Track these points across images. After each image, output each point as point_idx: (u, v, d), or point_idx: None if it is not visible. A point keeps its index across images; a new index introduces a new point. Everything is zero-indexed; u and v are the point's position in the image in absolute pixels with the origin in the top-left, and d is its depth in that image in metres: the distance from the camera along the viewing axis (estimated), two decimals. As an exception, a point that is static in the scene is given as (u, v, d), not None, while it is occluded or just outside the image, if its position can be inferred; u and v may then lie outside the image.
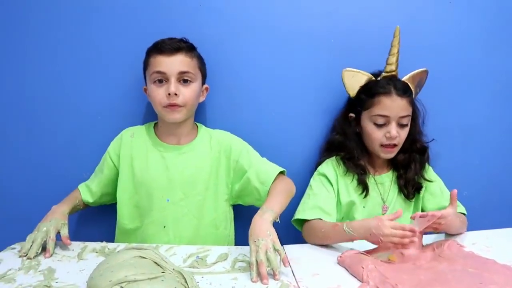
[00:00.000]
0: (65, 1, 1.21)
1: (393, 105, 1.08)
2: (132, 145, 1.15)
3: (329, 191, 1.14)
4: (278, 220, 0.96)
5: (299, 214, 1.11)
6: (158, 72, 1.07)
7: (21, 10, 1.21)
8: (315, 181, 1.17)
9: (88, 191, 1.17)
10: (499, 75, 1.31)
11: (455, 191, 0.98)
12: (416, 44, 1.25)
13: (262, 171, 1.12)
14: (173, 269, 0.82)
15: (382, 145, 1.11)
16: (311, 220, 1.08)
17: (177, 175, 1.12)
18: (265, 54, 1.25)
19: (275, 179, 1.11)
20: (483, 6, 1.27)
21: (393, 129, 1.08)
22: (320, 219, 1.08)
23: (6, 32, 1.21)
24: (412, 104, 1.12)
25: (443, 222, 0.94)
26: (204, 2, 1.22)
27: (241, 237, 1.19)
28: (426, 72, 1.14)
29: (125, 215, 1.14)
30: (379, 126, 1.10)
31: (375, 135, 1.11)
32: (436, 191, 1.16)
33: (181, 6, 1.22)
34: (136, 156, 1.14)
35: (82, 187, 1.18)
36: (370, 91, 1.11)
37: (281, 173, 1.14)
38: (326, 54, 1.25)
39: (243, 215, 1.21)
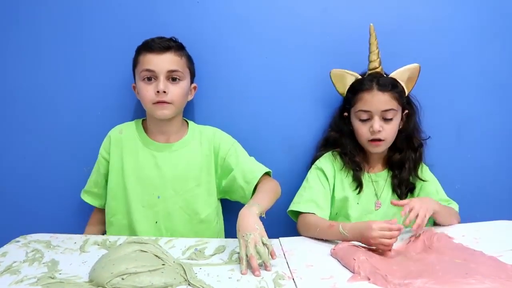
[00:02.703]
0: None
1: (373, 100, 1.10)
2: (122, 142, 1.17)
3: (325, 186, 1.17)
4: (264, 215, 0.98)
5: (294, 206, 1.15)
6: (148, 70, 1.09)
7: (14, 9, 1.23)
8: (312, 175, 1.19)
9: (93, 197, 1.21)
10: (492, 71, 1.33)
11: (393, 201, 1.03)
12: (410, 40, 1.28)
13: (248, 170, 1.15)
14: (173, 261, 0.85)
15: (368, 140, 1.14)
16: (305, 213, 1.12)
17: (167, 172, 1.14)
18: (257, 52, 1.26)
19: (261, 179, 1.13)
20: (476, 4, 1.29)
21: (375, 123, 1.10)
22: (313, 213, 1.11)
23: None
24: (399, 99, 1.12)
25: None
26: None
27: (230, 231, 1.23)
28: (417, 68, 1.15)
29: (118, 211, 1.16)
30: (363, 121, 1.13)
31: (361, 131, 1.14)
32: (431, 190, 1.18)
33: (175, 3, 1.24)
34: (126, 153, 1.16)
35: (86, 197, 1.22)
36: (354, 89, 1.14)
37: (267, 173, 1.17)
38: (320, 52, 1.26)
39: (231, 209, 1.23)
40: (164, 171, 1.14)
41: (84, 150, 1.26)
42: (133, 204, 1.14)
